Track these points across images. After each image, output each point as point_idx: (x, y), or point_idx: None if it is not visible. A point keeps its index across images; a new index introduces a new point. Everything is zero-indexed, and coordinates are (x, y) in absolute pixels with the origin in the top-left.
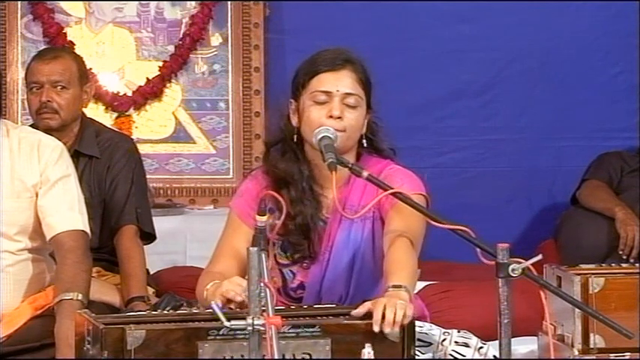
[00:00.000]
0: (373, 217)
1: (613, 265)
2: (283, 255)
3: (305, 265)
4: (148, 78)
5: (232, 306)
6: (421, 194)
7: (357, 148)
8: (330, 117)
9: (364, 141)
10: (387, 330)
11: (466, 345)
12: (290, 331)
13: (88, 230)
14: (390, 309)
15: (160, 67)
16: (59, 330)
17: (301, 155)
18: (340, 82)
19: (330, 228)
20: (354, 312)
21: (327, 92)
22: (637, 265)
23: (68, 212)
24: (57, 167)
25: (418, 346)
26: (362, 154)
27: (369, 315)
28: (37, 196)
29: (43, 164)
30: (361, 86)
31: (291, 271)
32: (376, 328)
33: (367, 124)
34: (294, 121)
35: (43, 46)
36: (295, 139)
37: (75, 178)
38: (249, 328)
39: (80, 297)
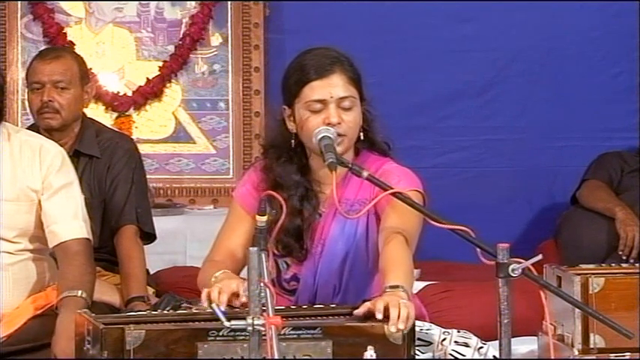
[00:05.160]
0: (368, 212)
1: (613, 265)
2: (278, 244)
3: (299, 258)
4: (148, 78)
5: (237, 303)
6: (418, 191)
7: (355, 142)
8: (329, 124)
9: (361, 134)
10: (392, 329)
11: (466, 345)
12: (291, 332)
13: (91, 237)
14: (394, 308)
15: (160, 67)
16: (60, 323)
17: (297, 159)
18: (333, 89)
19: (325, 221)
20: (355, 312)
21: (321, 101)
22: (637, 265)
23: (72, 220)
24: (60, 174)
25: (418, 346)
26: (361, 151)
27: (370, 316)
28: (38, 201)
29: (45, 170)
30: (353, 85)
31: (285, 262)
32: (379, 316)
33: (362, 113)
34: (291, 126)
35: (43, 46)
36: (293, 144)
37: (77, 184)
38: (250, 328)
39: (84, 295)
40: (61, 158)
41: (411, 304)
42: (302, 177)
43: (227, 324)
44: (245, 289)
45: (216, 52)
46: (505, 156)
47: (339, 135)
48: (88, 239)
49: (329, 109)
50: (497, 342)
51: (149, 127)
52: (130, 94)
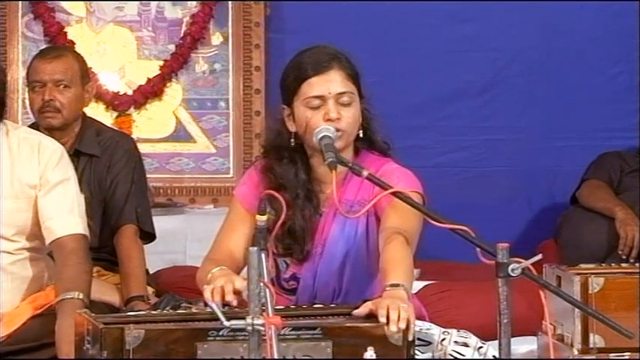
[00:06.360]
0: (368, 213)
1: (613, 264)
2: (278, 245)
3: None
4: (148, 77)
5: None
6: (417, 192)
7: (354, 141)
8: (328, 120)
9: (360, 132)
10: (393, 328)
11: (465, 345)
12: (291, 332)
13: (87, 234)
14: (394, 311)
15: (160, 66)
16: (60, 328)
17: (298, 158)
18: (331, 84)
19: (325, 221)
20: (355, 312)
21: (319, 97)
22: (637, 265)
23: (68, 216)
24: (57, 170)
25: (417, 346)
26: (360, 151)
27: (371, 316)
28: (36, 198)
29: (43, 166)
30: (351, 81)
31: (284, 261)
32: (382, 320)
33: (361, 112)
34: (290, 126)
35: (43, 46)
36: (293, 143)
37: (75, 181)
38: (249, 328)
39: (81, 296)
40: (59, 154)
41: (411, 306)
42: (304, 177)
43: (227, 324)
44: (244, 287)
45: (216, 52)
46: (505, 156)
47: (338, 130)
48: (83, 235)
49: (328, 104)
50: (496, 342)
51: (149, 126)
52: (130, 93)
